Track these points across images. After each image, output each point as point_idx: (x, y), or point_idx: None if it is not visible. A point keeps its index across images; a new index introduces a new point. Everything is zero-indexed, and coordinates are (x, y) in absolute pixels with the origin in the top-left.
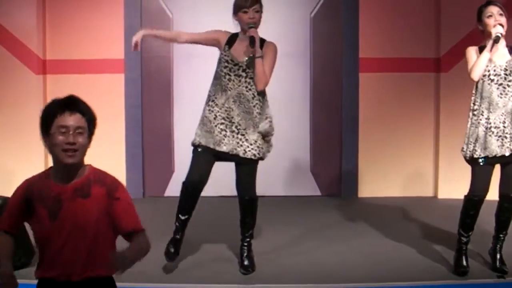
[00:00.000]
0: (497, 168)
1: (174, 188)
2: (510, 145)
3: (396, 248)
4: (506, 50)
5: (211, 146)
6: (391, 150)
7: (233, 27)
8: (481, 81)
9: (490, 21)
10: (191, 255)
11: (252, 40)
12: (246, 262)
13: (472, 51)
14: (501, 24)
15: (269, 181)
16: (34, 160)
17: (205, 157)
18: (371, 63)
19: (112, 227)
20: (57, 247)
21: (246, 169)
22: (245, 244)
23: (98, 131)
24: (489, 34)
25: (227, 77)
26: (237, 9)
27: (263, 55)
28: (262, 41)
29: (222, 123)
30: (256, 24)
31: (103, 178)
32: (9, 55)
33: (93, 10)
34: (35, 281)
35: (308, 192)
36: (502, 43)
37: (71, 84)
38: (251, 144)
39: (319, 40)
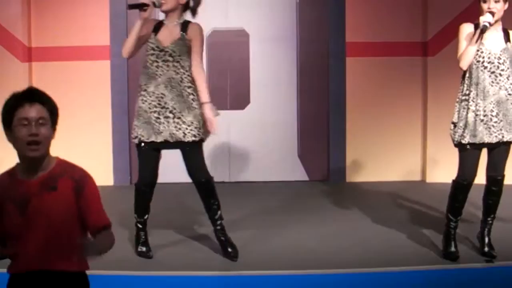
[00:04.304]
0: (484, 151)
1: (161, 175)
2: (498, 134)
3: (385, 233)
4: (501, 35)
5: (152, 139)
6: (379, 134)
7: (225, 14)
8: (474, 67)
9: (484, 7)
10: (180, 243)
11: None
12: (229, 249)
13: (464, 30)
14: (491, 12)
15: (256, 167)
16: None
17: (150, 155)
18: (357, 47)
19: (79, 219)
20: (27, 241)
21: (191, 152)
22: (218, 228)
23: (84, 118)
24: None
25: (155, 64)
26: None
27: (191, 39)
28: (186, 23)
29: (155, 111)
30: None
31: (70, 171)
32: None
33: None
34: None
35: (296, 177)
36: (498, 26)
37: (57, 71)
38: (188, 126)
39: (306, 25)
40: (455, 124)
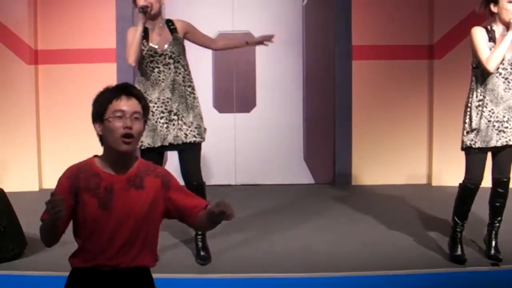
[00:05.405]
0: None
1: None
2: (506, 138)
3: (391, 236)
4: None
5: (158, 144)
6: (385, 138)
7: (231, 17)
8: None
9: (508, 7)
10: (185, 245)
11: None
12: (202, 253)
13: (479, 34)
14: None
15: (262, 170)
16: (27, 150)
17: (155, 157)
18: (364, 50)
19: (161, 216)
20: (106, 236)
21: (190, 154)
22: (200, 234)
23: (91, 121)
24: (503, 20)
25: (156, 69)
26: None
27: (187, 32)
28: (169, 22)
29: (161, 117)
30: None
31: (154, 169)
32: (0, 45)
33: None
34: (29, 272)
35: (302, 180)
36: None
37: (63, 74)
38: (189, 127)
39: (312, 28)
40: (469, 131)
